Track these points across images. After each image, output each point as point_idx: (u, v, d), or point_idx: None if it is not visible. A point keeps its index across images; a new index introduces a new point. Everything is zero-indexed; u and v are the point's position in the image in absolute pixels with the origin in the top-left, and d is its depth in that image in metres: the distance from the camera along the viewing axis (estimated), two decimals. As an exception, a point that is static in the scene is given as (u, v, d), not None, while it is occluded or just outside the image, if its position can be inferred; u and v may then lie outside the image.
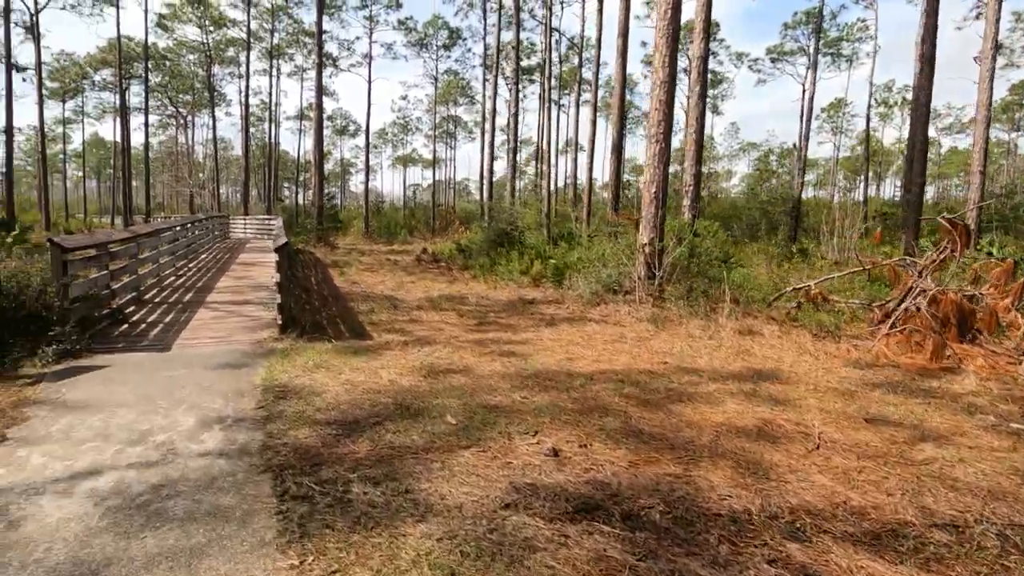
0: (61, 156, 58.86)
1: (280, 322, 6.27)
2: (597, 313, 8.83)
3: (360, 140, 72.21)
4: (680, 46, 11.80)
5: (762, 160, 60.77)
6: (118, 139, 41.00)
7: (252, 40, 39.35)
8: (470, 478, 3.16)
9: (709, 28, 12.44)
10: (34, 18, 30.49)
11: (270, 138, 45.78)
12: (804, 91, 33.77)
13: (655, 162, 9.54)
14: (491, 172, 25.53)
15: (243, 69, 41.93)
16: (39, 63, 31.05)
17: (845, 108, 50.13)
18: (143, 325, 6.73)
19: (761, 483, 3.22)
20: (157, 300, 8.36)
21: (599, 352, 6.32)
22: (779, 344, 6.78)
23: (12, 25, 27.62)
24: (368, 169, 42.93)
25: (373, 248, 25.06)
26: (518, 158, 20.83)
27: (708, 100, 31.88)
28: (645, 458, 3.49)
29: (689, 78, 12.05)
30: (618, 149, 19.18)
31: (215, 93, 42.18)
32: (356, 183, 79.33)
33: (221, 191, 51.84)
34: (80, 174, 70.10)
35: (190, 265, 12.38)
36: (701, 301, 8.57)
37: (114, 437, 3.56)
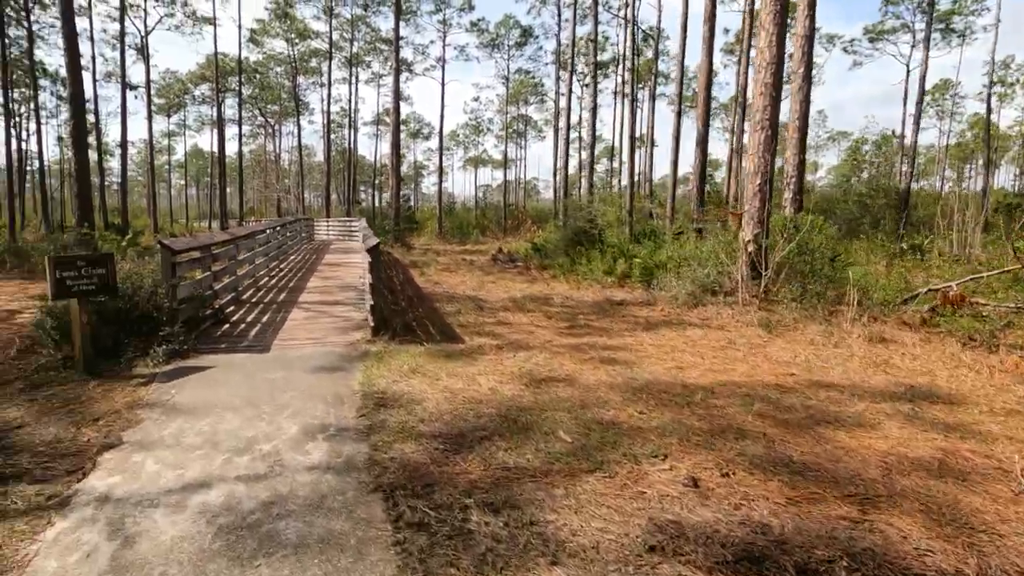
0: (166, 166, 64.22)
1: (372, 324, 6.15)
2: (696, 316, 8.16)
3: (433, 143, 73.86)
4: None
5: (854, 150, 56.22)
6: (214, 149, 44.10)
7: (333, 50, 41.01)
8: (601, 510, 2.75)
9: (815, 3, 11.33)
10: (144, 40, 33.28)
11: (349, 143, 47.50)
12: (908, 72, 30.72)
13: (760, 151, 8.72)
14: (565, 169, 25.01)
15: (325, 78, 43.87)
16: (148, 81, 33.88)
17: (953, 89, 45.30)
18: (242, 325, 6.85)
19: (967, 535, 2.59)
20: (254, 300, 8.59)
21: (710, 360, 5.72)
22: (923, 354, 5.88)
23: (126, 48, 30.27)
24: (441, 170, 43.62)
25: (447, 248, 25.28)
26: (591, 154, 20.20)
27: (799, 86, 29.65)
28: (805, 494, 2.93)
29: (791, 59, 11.02)
30: (703, 142, 18.10)
31: (299, 102, 44.34)
32: (428, 185, 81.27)
33: (304, 195, 54.60)
34: (182, 182, 76.37)
35: (281, 266, 12.81)
36: (817, 304, 7.69)
37: (222, 444, 3.45)
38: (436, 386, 4.62)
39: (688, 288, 9.04)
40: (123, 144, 28.08)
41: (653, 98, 39.93)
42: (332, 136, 49.35)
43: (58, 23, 25.72)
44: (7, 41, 22.21)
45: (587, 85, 43.56)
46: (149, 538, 2.47)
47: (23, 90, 31.81)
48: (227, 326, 6.73)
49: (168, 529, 2.54)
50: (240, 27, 31.74)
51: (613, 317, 8.33)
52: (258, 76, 43.45)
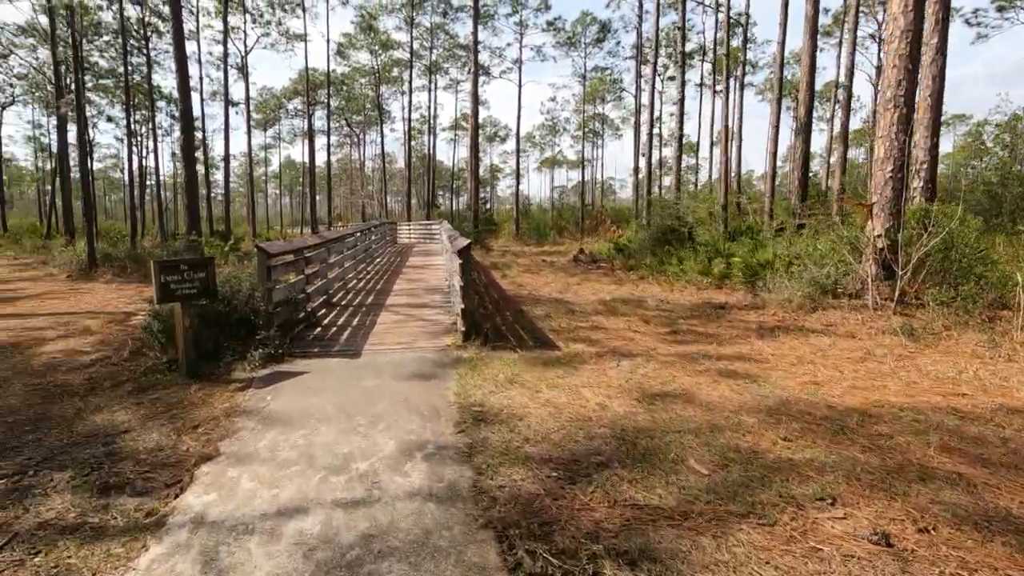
0: (263, 177, 69.01)
1: (463, 329, 5.85)
2: (816, 321, 7.21)
3: (508, 145, 74.23)
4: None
5: (975, 134, 50.18)
6: (305, 159, 46.76)
7: (413, 59, 42.12)
8: (768, 572, 2.18)
9: (952, -37, 9.86)
10: (244, 59, 35.74)
11: (429, 148, 48.53)
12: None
13: (893, 132, 7.60)
14: (648, 166, 23.97)
15: (405, 87, 45.25)
16: (247, 98, 36.37)
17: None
18: (334, 328, 6.80)
19: None
20: (343, 303, 8.63)
21: (851, 375, 4.89)
22: None
23: (228, 68, 32.64)
24: (519, 172, 43.55)
25: (525, 249, 24.99)
26: (678, 148, 19.08)
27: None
28: (1050, 567, 2.20)
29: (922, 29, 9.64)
30: (806, 130, 16.56)
31: (382, 111, 45.94)
32: (502, 188, 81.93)
33: (386, 200, 56.65)
34: (277, 192, 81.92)
35: (368, 268, 13.00)
36: (972, 308, 6.53)
37: (317, 461, 3.21)
38: (537, 399, 4.19)
39: (804, 289, 8.06)
40: (226, 158, 30.24)
41: (741, 87, 37.70)
42: (412, 143, 50.86)
43: (171, 48, 28.13)
44: (129, 68, 24.52)
45: (671, 78, 41.88)
46: (243, 573, 2.20)
47: (143, 112, 35.20)
48: (319, 329, 6.70)
49: (263, 563, 2.27)
50: (328, 41, 33.26)
51: (719, 322, 7.55)
52: (345, 88, 45.52)
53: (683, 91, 19.03)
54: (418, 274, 12.45)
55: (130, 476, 3.12)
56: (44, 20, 23.17)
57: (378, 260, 15.39)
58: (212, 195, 48.44)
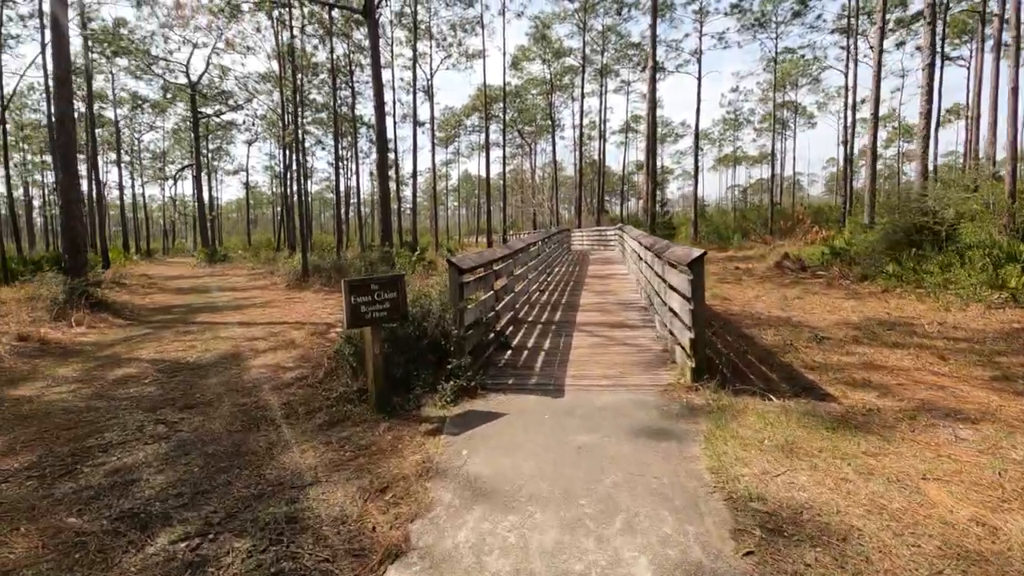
0: (444, 191, 74.48)
1: (692, 365, 4.50)
2: None
3: (681, 144, 69.94)
4: None
5: None
6: (481, 172, 49.06)
7: (585, 64, 41.49)
8: None
9: None
10: (429, 82, 38.48)
11: (600, 154, 47.46)
12: None
13: None
14: (874, 154, 19.76)
15: (576, 92, 44.94)
16: (432, 118, 39.06)
17: None
18: (525, 352, 5.95)
19: None
20: (530, 319, 7.84)
21: None
22: None
23: (416, 91, 35.33)
24: (697, 170, 40.28)
25: (709, 255, 22.38)
26: (926, 125, 14.96)
27: None
28: None
29: None
30: None
31: (554, 120, 46.12)
32: (672, 190, 77.52)
33: (556, 207, 56.97)
34: (455, 204, 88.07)
35: (549, 279, 12.25)
36: None
37: (540, 582, 2.18)
38: (852, 496, 2.69)
39: None
40: (413, 174, 32.65)
41: (981, 51, 29.99)
42: (582, 148, 50.33)
43: (371, 80, 31.22)
44: (338, 101, 27.71)
45: (900, 44, 35.23)
46: None
47: (348, 138, 39.96)
48: (509, 352, 5.90)
49: None
50: (504, 54, 34.18)
51: (1071, 363, 5.06)
52: (518, 100, 46.71)
53: (934, 55, 15.09)
54: (603, 285, 11.31)
55: (307, 564, 2.41)
56: (275, 66, 27.28)
57: (558, 269, 14.63)
58: (402, 209, 53.46)
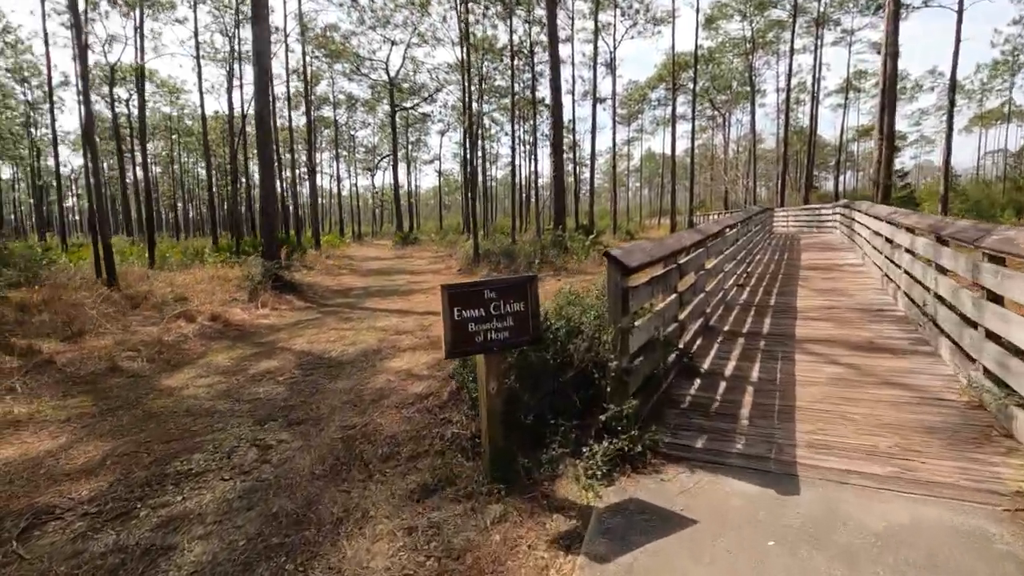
0: (625, 172, 71.41)
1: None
2: None
3: (918, 103, 56.70)
4: None
5: None
6: (666, 150, 45.38)
7: (796, 14, 35.24)
8: None
9: None
10: (612, 54, 36.24)
11: (812, 119, 40.26)
12: None
13: None
14: None
15: (784, 48, 38.71)
16: (614, 93, 36.86)
17: None
18: (723, 384, 4.11)
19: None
20: (726, 328, 5.84)
21: None
22: None
23: (597, 65, 33.46)
24: (951, 130, 31.73)
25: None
26: None
27: None
28: None
29: None
30: None
31: (754, 83, 40.35)
32: (904, 159, 63.58)
33: (751, 185, 50.35)
34: (636, 185, 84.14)
35: (749, 270, 9.78)
36: None
37: None
38: None
39: None
40: (592, 153, 31.04)
41: None
42: (789, 113, 43.40)
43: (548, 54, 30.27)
44: (518, 85, 27.34)
45: None
46: None
47: (529, 122, 39.86)
48: (698, 383, 4.11)
49: None
50: (697, 11, 30.31)
51: None
52: (711, 65, 41.85)
53: None
54: (827, 279, 8.52)
55: None
56: (459, 52, 27.87)
57: (760, 257, 11.87)
58: (579, 191, 52.33)
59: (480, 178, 45.53)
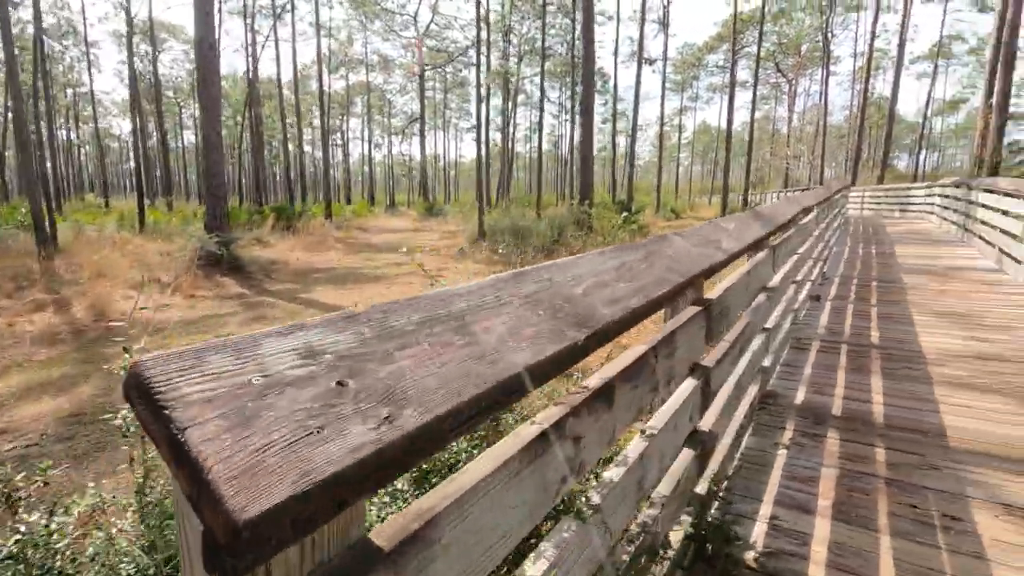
0: (676, 144, 66.52)
1: None
2: None
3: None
4: None
5: None
6: (722, 123, 41.02)
7: (886, -39, 30.27)
8: None
9: None
10: (666, 9, 32.27)
11: (894, 87, 35.10)
12: None
13: None
14: None
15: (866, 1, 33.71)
16: (665, 54, 32.95)
17: None
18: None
19: None
20: (799, 404, 3.20)
21: None
22: None
23: (645, 21, 29.69)
24: (1074, 101, 26.69)
25: None
26: None
27: None
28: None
29: None
30: None
31: (828, 40, 35.33)
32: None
33: (818, 162, 45.35)
34: (688, 160, 78.83)
35: (825, 271, 6.90)
36: None
37: None
38: None
39: None
40: (634, 120, 27.63)
41: None
42: (869, 79, 38.24)
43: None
44: (546, 37, 24.15)
45: None
46: None
47: (572, 87, 36.48)
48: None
49: None
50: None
51: None
52: (780, 23, 37.06)
53: None
54: (953, 297, 5.59)
55: None
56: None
57: (836, 249, 8.84)
58: (626, 164, 48.61)
59: (512, 146, 42.58)
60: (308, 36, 41.99)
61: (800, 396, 3.18)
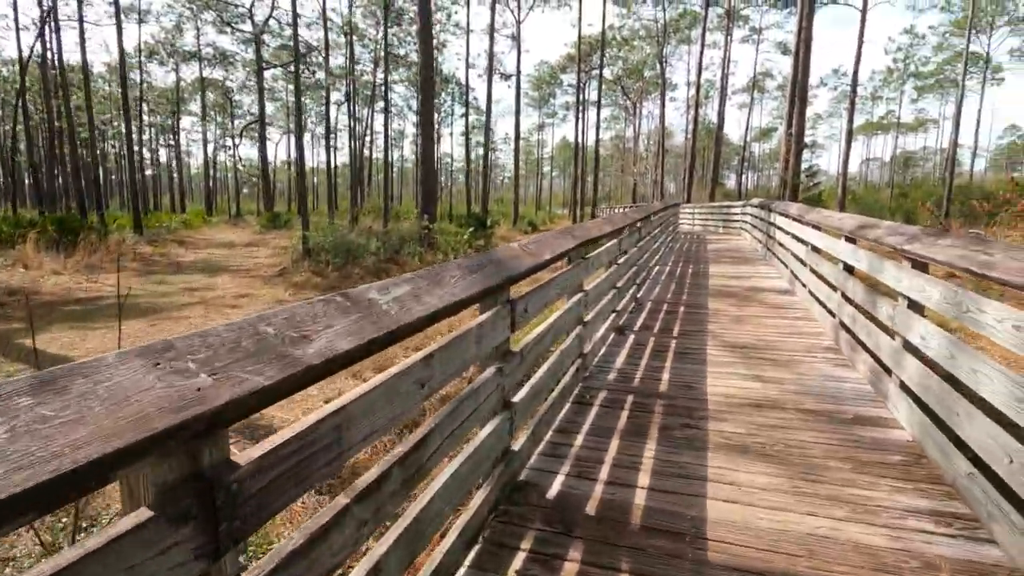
0: (536, 158, 68.84)
1: None
2: None
3: (814, 108, 59.41)
4: None
5: None
6: (575, 137, 42.99)
7: (708, 4, 33.67)
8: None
9: None
10: (517, 28, 32.86)
11: (719, 115, 39.12)
12: None
13: None
14: None
15: (695, 35, 37.30)
16: (518, 70, 33.51)
17: None
18: None
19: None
20: (551, 498, 2.55)
21: None
22: None
23: (500, 39, 29.94)
24: (851, 131, 31.69)
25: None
26: None
27: None
28: None
29: None
30: None
31: (664, 71, 38.59)
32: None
33: (660, 179, 49.45)
34: (555, 173, 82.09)
35: (639, 296, 6.73)
36: None
37: None
38: None
39: None
40: (486, 135, 27.53)
41: None
42: (694, 113, 42.53)
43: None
44: (389, 39, 23.15)
45: None
46: None
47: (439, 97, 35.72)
48: None
49: None
50: (606, -16, 27.60)
51: None
52: (624, 49, 39.75)
53: None
54: (749, 325, 5.56)
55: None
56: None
57: (656, 270, 8.93)
58: (491, 176, 48.87)
59: (371, 154, 40.70)
60: (134, 21, 36.41)
61: (557, 486, 2.52)
